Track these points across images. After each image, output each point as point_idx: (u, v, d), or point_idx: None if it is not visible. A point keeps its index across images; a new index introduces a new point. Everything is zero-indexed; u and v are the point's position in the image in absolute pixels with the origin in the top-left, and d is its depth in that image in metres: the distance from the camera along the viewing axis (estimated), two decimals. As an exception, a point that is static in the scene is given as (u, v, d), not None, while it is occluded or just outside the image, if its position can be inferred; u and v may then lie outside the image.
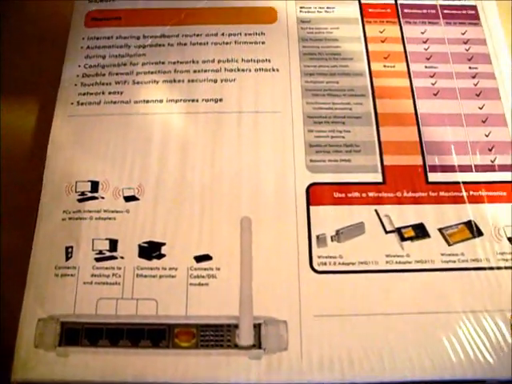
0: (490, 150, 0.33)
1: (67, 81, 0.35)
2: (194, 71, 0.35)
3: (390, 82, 0.35)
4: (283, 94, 0.34)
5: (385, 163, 0.32)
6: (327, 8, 0.37)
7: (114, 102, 0.34)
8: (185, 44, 0.36)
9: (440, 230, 0.31)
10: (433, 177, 0.32)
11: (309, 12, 0.37)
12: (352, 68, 0.35)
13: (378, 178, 0.32)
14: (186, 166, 0.32)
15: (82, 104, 0.34)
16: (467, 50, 0.36)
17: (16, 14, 0.42)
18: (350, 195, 0.31)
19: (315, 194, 0.31)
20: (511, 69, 0.36)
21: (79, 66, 0.35)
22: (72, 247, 0.30)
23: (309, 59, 0.35)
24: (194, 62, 0.35)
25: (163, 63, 0.35)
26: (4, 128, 0.37)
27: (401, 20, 0.37)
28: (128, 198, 0.31)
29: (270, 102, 0.34)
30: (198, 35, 0.36)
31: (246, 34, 0.36)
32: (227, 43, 0.36)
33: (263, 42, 0.36)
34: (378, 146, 0.33)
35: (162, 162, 0.32)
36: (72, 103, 0.34)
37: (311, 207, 0.31)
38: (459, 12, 0.38)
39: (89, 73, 0.35)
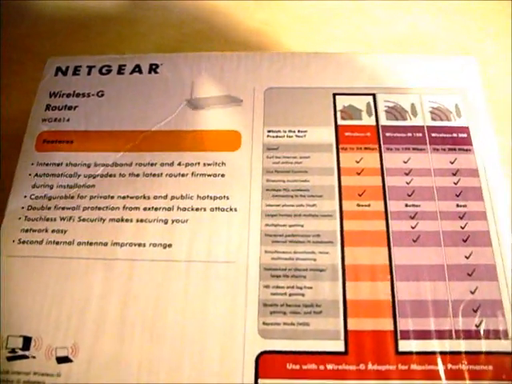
0: (476, 311, 0.29)
1: (12, 213, 0.32)
2: (144, 209, 0.31)
3: (362, 226, 0.31)
4: (240, 241, 0.30)
5: (349, 328, 0.28)
6: (298, 132, 0.33)
7: (57, 243, 0.31)
8: (137, 175, 0.32)
9: (409, 414, 0.26)
10: (404, 345, 0.28)
11: (277, 137, 0.33)
12: (320, 208, 0.31)
13: (340, 346, 0.28)
14: (126, 324, 0.29)
15: (24, 243, 0.31)
16: (456, 184, 0.32)
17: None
18: (305, 367, 0.28)
19: (266, 365, 0.28)
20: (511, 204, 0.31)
21: (25, 196, 0.32)
22: (-3, 416, 0.28)
23: (272, 196, 0.31)
24: (145, 197, 0.32)
25: (112, 197, 0.32)
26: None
27: (381, 146, 0.33)
28: (60, 359, 0.28)
29: (224, 249, 0.30)
30: (152, 164, 0.33)
31: (204, 164, 0.32)
32: (183, 175, 0.32)
33: (223, 175, 0.32)
34: (343, 306, 0.29)
35: (100, 318, 0.29)
36: (13, 241, 0.31)
37: (259, 381, 0.27)
38: (448, 135, 0.33)
39: (34, 205, 0.32)
